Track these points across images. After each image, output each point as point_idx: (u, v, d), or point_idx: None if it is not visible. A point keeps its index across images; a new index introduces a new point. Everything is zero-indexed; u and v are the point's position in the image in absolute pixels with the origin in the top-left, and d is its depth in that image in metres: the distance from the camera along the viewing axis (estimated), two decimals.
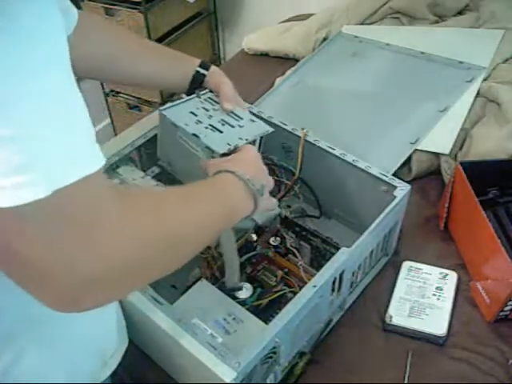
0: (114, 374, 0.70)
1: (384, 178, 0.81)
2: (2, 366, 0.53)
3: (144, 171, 0.89)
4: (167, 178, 0.90)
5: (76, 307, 0.42)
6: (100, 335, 0.63)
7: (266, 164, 0.90)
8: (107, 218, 0.40)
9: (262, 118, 0.93)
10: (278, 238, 0.86)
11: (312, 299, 0.67)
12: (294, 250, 0.83)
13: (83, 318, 0.57)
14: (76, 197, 0.37)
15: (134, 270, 0.43)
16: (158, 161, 0.90)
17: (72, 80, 0.38)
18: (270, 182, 0.71)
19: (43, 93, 0.36)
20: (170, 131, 0.79)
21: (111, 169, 0.84)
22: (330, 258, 0.72)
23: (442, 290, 0.84)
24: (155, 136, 0.90)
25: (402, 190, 0.79)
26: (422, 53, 1.28)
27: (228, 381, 0.58)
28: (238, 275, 0.77)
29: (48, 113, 0.36)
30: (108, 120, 2.26)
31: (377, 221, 0.75)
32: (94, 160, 0.39)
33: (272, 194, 0.91)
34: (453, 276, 0.86)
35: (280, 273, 0.81)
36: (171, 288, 0.84)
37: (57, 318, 0.54)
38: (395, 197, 0.78)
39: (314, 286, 0.67)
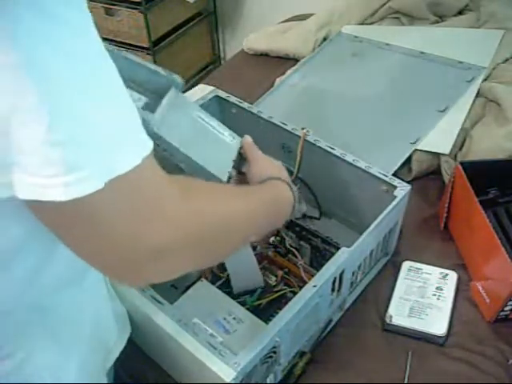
0: (114, 374, 0.70)
1: (384, 177, 0.81)
2: (14, 364, 0.53)
3: None
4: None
5: (140, 278, 0.46)
6: (102, 324, 0.64)
7: None
8: (168, 196, 0.43)
9: (261, 118, 0.93)
10: (278, 238, 0.86)
11: (312, 299, 0.67)
12: (294, 250, 0.83)
13: (87, 308, 0.59)
14: (136, 180, 0.40)
15: (193, 245, 0.46)
16: None
17: (112, 66, 0.40)
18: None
19: (96, 84, 0.37)
20: None
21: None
22: (330, 257, 0.72)
23: (442, 290, 0.84)
24: None
25: (402, 189, 0.79)
26: (422, 53, 1.28)
27: (228, 380, 0.58)
28: (259, 276, 0.78)
29: (99, 105, 0.38)
30: None
31: (377, 221, 0.75)
32: (144, 145, 0.41)
33: None
34: (453, 276, 0.86)
35: (280, 272, 0.81)
36: (171, 288, 0.84)
37: (65, 312, 0.55)
38: (395, 197, 0.78)
39: (314, 286, 0.67)
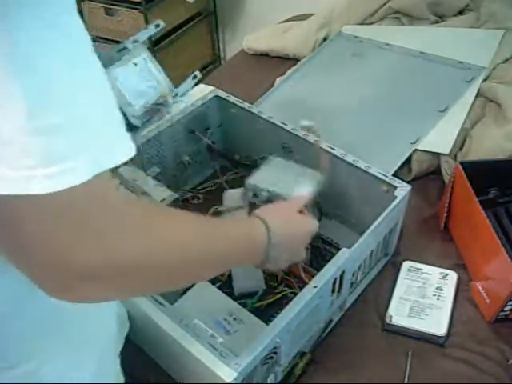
0: None
1: (384, 178, 0.81)
2: (26, 371, 0.52)
3: (145, 171, 0.89)
4: (166, 179, 0.90)
5: (70, 296, 0.42)
6: (105, 325, 0.64)
7: None
8: (121, 218, 0.40)
9: (261, 118, 0.93)
10: None
11: (312, 300, 0.67)
12: None
13: (96, 315, 0.58)
14: (96, 191, 0.38)
15: (133, 276, 0.43)
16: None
17: (101, 68, 0.39)
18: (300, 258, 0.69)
19: (83, 82, 0.37)
20: None
21: (112, 169, 0.84)
22: (330, 258, 0.72)
23: (442, 290, 0.84)
24: (155, 137, 0.91)
25: (403, 190, 0.79)
26: (422, 53, 1.28)
27: (228, 381, 0.58)
28: (260, 277, 0.78)
29: (88, 101, 0.37)
30: None
31: (377, 221, 0.75)
32: (129, 147, 0.40)
33: None
34: (453, 276, 0.86)
35: (280, 273, 0.81)
36: None
37: (75, 319, 0.54)
38: (395, 197, 0.78)
39: (315, 287, 0.67)
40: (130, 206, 0.43)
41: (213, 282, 0.80)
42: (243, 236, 0.58)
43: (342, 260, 0.70)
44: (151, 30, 0.77)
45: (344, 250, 0.72)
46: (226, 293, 0.76)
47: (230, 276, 0.80)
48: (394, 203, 0.77)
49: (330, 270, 0.69)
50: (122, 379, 0.66)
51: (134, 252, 0.41)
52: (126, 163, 0.78)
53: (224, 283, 0.80)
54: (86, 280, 0.40)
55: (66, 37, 0.36)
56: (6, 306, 0.49)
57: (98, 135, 0.38)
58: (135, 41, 0.76)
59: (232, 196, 0.86)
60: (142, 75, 0.74)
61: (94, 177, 0.37)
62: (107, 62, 0.70)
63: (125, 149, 0.40)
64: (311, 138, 0.89)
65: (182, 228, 0.48)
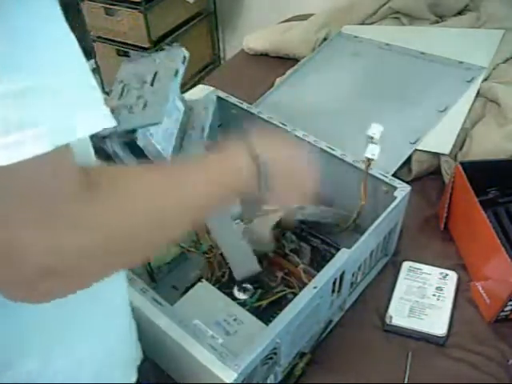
0: None
1: (384, 178, 0.81)
2: (28, 371, 0.52)
3: None
4: None
5: (31, 296, 0.39)
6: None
7: None
8: (73, 203, 0.37)
9: (261, 118, 0.93)
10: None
11: (312, 300, 0.67)
12: (294, 255, 0.83)
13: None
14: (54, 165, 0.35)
15: (90, 260, 0.39)
16: None
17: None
18: None
19: (53, 45, 0.35)
20: None
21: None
22: (330, 258, 0.72)
23: (441, 290, 0.84)
24: None
25: (403, 190, 0.79)
26: (422, 53, 1.28)
27: (228, 382, 0.58)
28: (253, 260, 0.77)
29: (53, 68, 0.35)
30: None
31: (377, 222, 0.75)
32: (101, 118, 0.37)
33: None
34: (453, 276, 0.86)
35: (280, 274, 0.81)
36: (172, 289, 0.85)
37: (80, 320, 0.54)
38: (395, 197, 0.78)
39: (315, 287, 0.67)
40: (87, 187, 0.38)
41: (213, 282, 0.80)
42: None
43: (342, 260, 0.70)
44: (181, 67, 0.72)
45: (344, 250, 0.72)
46: (226, 293, 0.76)
47: (229, 276, 0.80)
48: (394, 204, 0.77)
49: (329, 271, 0.69)
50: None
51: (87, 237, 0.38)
52: None
53: (224, 284, 0.80)
54: (47, 277, 0.36)
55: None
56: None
57: (62, 104, 0.35)
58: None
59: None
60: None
61: (54, 150, 0.33)
62: None
63: (95, 119, 0.37)
64: (311, 138, 0.89)
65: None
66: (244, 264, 0.78)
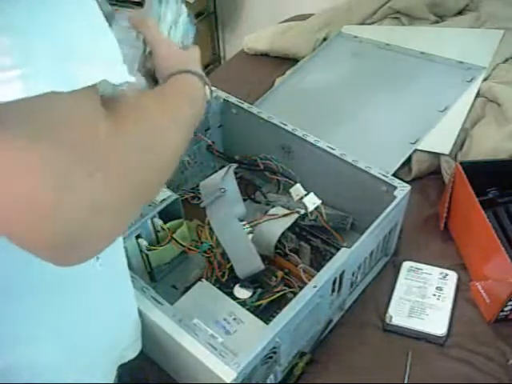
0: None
1: (384, 178, 0.81)
2: (15, 359, 0.52)
3: None
4: None
5: (70, 252, 0.37)
6: (115, 327, 0.63)
7: (265, 164, 0.90)
8: (98, 144, 0.36)
9: (261, 118, 0.93)
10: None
11: (312, 299, 0.67)
12: (294, 255, 0.82)
13: (99, 307, 0.57)
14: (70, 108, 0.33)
15: (125, 198, 0.39)
16: None
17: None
18: None
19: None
20: None
21: None
22: (330, 258, 0.72)
23: (441, 290, 0.84)
24: None
25: (402, 190, 0.79)
26: (422, 53, 1.28)
27: (228, 381, 0.58)
28: (257, 258, 0.77)
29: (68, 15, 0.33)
30: None
31: (377, 221, 0.75)
32: (116, 71, 0.36)
33: (274, 195, 0.91)
34: (453, 276, 0.86)
35: (280, 273, 0.81)
36: (172, 288, 0.85)
37: (73, 306, 0.54)
38: (395, 197, 0.78)
39: (315, 287, 0.67)
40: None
41: (213, 282, 0.80)
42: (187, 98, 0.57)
43: (342, 260, 0.70)
44: None
45: (344, 249, 0.72)
46: (226, 293, 0.76)
47: (229, 275, 0.80)
48: (394, 203, 0.77)
49: (329, 270, 0.69)
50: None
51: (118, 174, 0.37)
52: None
53: (224, 283, 0.80)
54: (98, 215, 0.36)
55: None
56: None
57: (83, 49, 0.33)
58: None
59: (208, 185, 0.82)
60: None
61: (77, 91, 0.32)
62: None
63: (117, 73, 0.36)
64: (311, 138, 0.89)
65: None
66: (247, 262, 0.78)
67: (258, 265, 0.78)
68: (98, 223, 0.36)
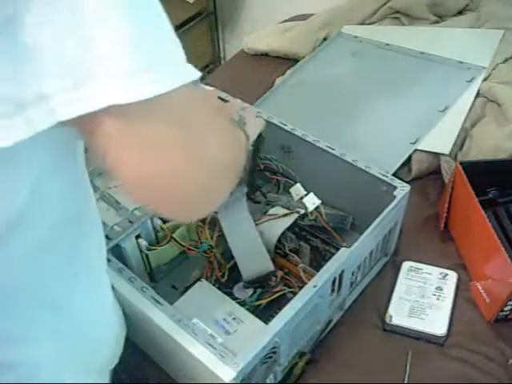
0: (114, 374, 0.70)
1: (384, 178, 0.81)
2: (13, 357, 0.52)
3: None
4: None
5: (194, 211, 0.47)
6: (107, 324, 0.63)
7: (265, 164, 0.90)
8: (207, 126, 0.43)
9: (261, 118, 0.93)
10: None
11: (312, 299, 0.67)
12: (294, 255, 0.82)
13: (90, 308, 0.58)
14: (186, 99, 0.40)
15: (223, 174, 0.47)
16: None
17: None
18: None
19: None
20: None
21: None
22: (329, 258, 0.72)
23: (441, 289, 0.84)
24: None
25: (402, 190, 0.79)
26: (422, 53, 1.27)
27: (227, 381, 0.58)
28: (267, 258, 0.77)
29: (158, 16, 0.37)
30: None
31: (376, 221, 0.75)
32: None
33: (274, 195, 0.91)
34: (453, 276, 0.86)
35: (280, 273, 0.81)
36: (171, 288, 0.85)
37: (69, 306, 0.54)
38: (395, 197, 0.78)
39: (314, 286, 0.67)
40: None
41: (213, 282, 0.80)
42: None
43: (342, 259, 0.70)
44: None
45: (343, 249, 0.72)
46: (225, 293, 0.76)
47: (229, 275, 0.80)
48: (394, 203, 0.77)
49: (329, 270, 0.69)
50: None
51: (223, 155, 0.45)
52: None
53: (224, 283, 0.80)
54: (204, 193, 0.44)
55: None
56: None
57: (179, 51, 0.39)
58: None
59: None
60: None
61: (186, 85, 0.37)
62: None
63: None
64: (310, 138, 0.89)
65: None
66: (256, 263, 0.77)
67: (268, 266, 0.78)
68: (218, 186, 0.46)
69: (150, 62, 0.35)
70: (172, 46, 0.38)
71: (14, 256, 0.45)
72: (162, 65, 0.36)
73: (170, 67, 0.37)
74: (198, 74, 0.38)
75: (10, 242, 0.44)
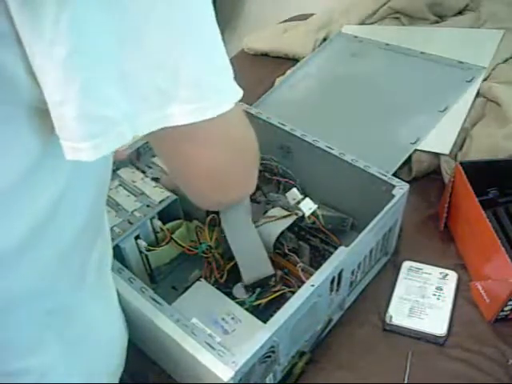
0: None
1: (382, 177, 0.81)
2: (30, 366, 0.52)
3: (143, 173, 0.89)
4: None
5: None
6: (114, 333, 0.64)
7: (265, 164, 0.90)
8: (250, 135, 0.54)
9: (260, 119, 0.93)
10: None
11: (310, 298, 0.67)
12: (293, 254, 0.82)
13: (100, 314, 0.59)
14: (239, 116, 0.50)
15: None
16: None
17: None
18: None
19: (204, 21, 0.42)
20: None
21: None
22: (329, 257, 0.71)
23: (441, 289, 0.84)
24: None
25: (401, 188, 0.79)
26: (422, 53, 1.27)
27: (225, 380, 0.58)
28: (267, 262, 0.77)
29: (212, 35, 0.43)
30: None
31: (375, 220, 0.75)
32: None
33: (274, 194, 0.91)
34: (453, 276, 0.86)
35: (279, 273, 0.81)
36: (171, 289, 0.85)
37: (79, 312, 0.54)
38: (394, 196, 0.78)
39: (312, 285, 0.67)
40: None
41: (212, 282, 0.80)
42: None
43: (340, 258, 0.70)
44: None
45: (342, 248, 0.72)
46: (225, 293, 0.76)
47: (228, 276, 0.80)
48: (393, 202, 0.77)
49: (327, 269, 0.69)
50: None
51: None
52: (126, 165, 0.83)
53: (223, 284, 0.80)
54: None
55: None
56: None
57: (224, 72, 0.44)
58: None
59: None
60: None
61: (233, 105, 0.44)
62: None
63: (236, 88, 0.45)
64: (309, 138, 0.88)
65: None
66: (257, 267, 0.77)
67: (269, 270, 0.78)
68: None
69: (216, 86, 0.42)
70: (228, 69, 0.44)
71: (41, 258, 0.47)
72: (224, 88, 0.43)
73: (232, 90, 0.44)
74: (241, 93, 0.45)
75: (39, 244, 0.45)
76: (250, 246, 0.76)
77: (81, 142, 0.36)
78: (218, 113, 0.42)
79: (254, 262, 0.77)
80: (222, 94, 0.43)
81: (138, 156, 0.91)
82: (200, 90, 0.40)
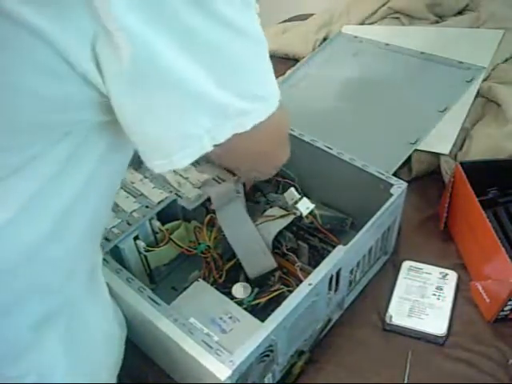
0: None
1: (380, 176, 0.81)
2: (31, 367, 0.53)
3: (143, 173, 0.89)
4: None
5: None
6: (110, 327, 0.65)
7: None
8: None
9: None
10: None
11: (308, 297, 0.67)
12: (292, 254, 0.82)
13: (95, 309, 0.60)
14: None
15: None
16: None
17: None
18: None
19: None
20: None
21: None
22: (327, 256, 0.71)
23: (441, 289, 0.84)
24: None
25: (399, 187, 0.79)
26: (422, 53, 1.27)
27: (223, 379, 0.57)
28: (269, 255, 0.78)
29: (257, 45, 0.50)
30: None
31: (373, 219, 0.75)
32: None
33: (274, 194, 0.91)
34: (453, 276, 0.86)
35: (278, 272, 0.81)
36: (171, 290, 0.84)
37: (79, 310, 0.55)
38: (392, 194, 0.78)
39: (310, 284, 0.67)
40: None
41: (211, 282, 0.79)
42: None
43: (338, 257, 0.70)
44: None
45: (339, 247, 0.71)
46: (223, 292, 0.75)
47: (227, 275, 0.80)
48: (391, 200, 0.77)
49: (324, 268, 0.69)
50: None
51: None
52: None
53: (221, 284, 0.79)
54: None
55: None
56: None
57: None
58: None
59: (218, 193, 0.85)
60: None
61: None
62: None
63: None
64: (307, 138, 0.88)
65: None
66: (259, 262, 0.77)
67: (271, 264, 0.78)
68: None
69: (267, 95, 0.50)
70: (272, 76, 0.51)
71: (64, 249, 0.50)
72: (269, 97, 0.51)
73: (276, 92, 0.52)
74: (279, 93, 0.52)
75: (66, 230, 0.49)
76: (249, 239, 0.77)
77: (171, 156, 0.46)
78: (273, 110, 0.50)
79: (255, 256, 0.77)
80: (273, 96, 0.51)
81: (137, 157, 0.91)
82: (257, 97, 0.48)
